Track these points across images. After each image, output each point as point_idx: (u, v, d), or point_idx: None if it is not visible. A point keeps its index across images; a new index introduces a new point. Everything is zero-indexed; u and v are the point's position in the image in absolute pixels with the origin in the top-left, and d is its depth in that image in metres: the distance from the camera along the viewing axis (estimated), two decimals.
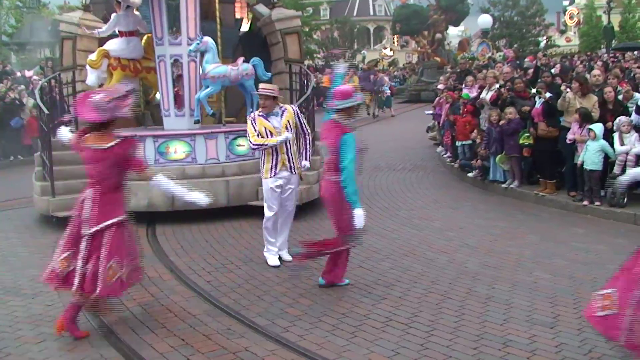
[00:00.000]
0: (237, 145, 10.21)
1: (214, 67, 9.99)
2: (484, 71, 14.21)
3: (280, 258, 7.39)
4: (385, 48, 60.28)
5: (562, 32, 61.57)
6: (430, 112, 17.27)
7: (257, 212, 8.72)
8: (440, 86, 17.81)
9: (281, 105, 7.32)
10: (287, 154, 7.14)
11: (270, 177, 7.11)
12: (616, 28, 43.58)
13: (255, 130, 7.05)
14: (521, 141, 10.84)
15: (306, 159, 7.47)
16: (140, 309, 6.04)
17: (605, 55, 27.86)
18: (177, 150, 10.11)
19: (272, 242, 7.39)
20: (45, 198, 9.89)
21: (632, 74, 13.39)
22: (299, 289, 6.52)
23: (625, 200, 9.52)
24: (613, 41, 38.96)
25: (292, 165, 7.19)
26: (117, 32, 11.08)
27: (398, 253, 7.70)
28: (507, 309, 5.84)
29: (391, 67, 48.12)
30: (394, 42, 64.52)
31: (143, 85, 11.71)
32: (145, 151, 9.88)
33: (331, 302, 6.13)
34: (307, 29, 41.64)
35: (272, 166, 7.09)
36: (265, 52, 12.22)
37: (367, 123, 24.06)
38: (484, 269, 7.08)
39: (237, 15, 13.76)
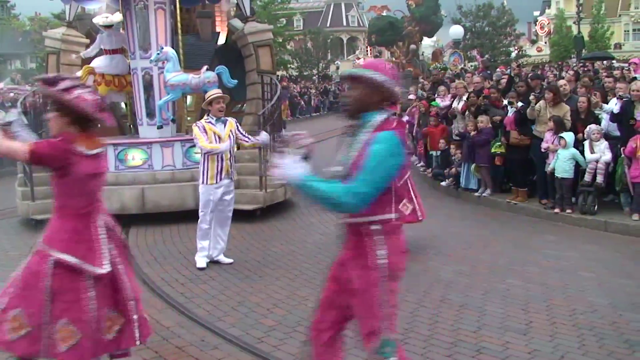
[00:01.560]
0: (195, 153, 10.41)
1: (173, 75, 10.46)
2: (457, 81, 14.35)
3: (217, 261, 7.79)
4: (358, 58, 60.40)
5: (533, 42, 62.24)
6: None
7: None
8: (411, 96, 17.91)
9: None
10: (230, 161, 7.57)
11: (216, 182, 7.46)
12: (586, 38, 44.25)
13: (205, 136, 7.39)
14: (493, 150, 10.94)
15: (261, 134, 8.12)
16: None
17: (576, 64, 28.29)
18: (135, 157, 10.57)
19: (204, 246, 7.70)
20: (25, 202, 10.54)
21: (601, 83, 13.55)
22: (273, 299, 6.49)
23: (596, 207, 9.64)
24: (583, 50, 39.57)
25: (232, 171, 7.65)
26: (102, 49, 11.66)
27: None
28: (481, 316, 5.88)
29: None
30: (367, 53, 64.85)
31: (129, 98, 12.12)
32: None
33: (306, 312, 6.10)
34: (280, 40, 41.78)
35: (217, 172, 7.45)
36: (241, 64, 12.57)
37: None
38: (458, 276, 7.12)
39: (218, 29, 14.13)
